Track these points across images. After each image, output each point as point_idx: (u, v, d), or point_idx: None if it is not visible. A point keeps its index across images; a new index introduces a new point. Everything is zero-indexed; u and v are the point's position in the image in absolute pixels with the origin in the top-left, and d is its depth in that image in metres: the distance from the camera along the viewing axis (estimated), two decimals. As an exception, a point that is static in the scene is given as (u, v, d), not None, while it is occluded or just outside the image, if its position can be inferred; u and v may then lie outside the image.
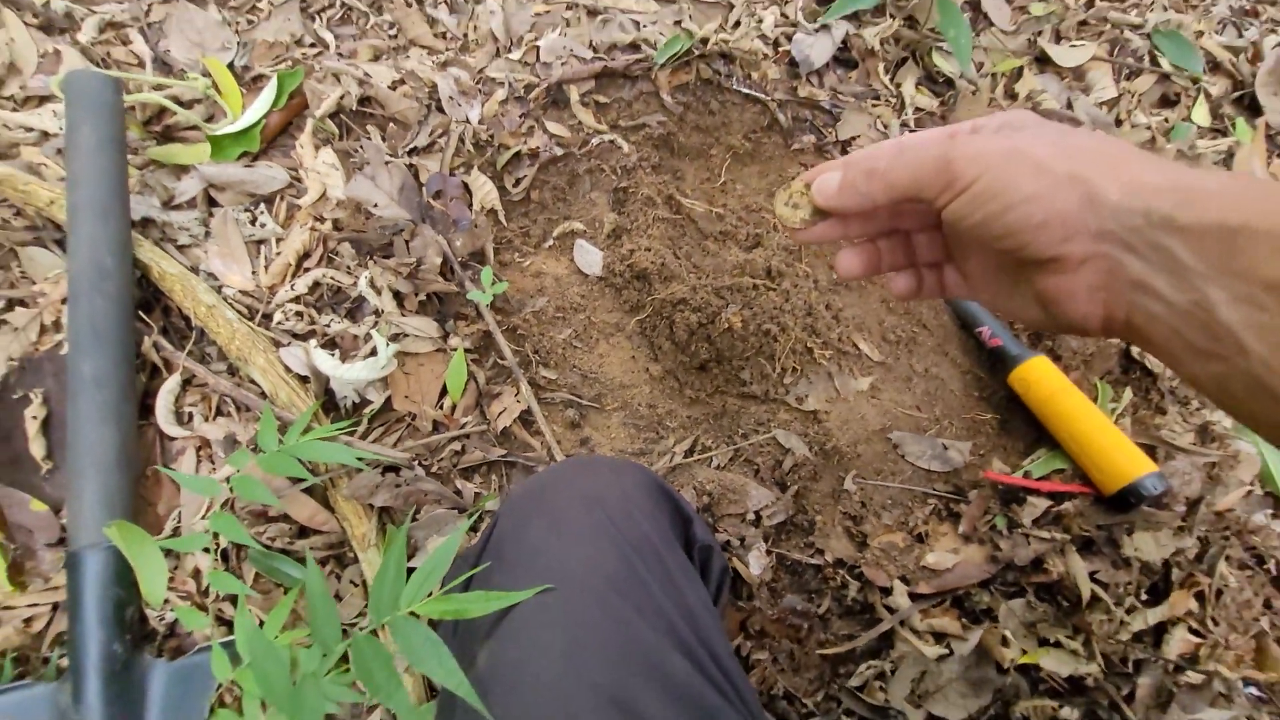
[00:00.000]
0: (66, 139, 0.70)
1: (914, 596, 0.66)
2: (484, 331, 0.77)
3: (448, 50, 0.92)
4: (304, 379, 0.72)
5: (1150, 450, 0.72)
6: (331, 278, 0.77)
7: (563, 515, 0.44)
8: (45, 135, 0.80)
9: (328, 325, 0.75)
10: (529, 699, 0.36)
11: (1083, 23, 1.04)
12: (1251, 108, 1.01)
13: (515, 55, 0.91)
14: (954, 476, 0.75)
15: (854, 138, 0.91)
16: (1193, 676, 0.62)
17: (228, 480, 0.61)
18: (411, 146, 0.83)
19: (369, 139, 0.83)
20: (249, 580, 0.66)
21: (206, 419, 0.72)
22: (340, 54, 0.90)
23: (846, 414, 0.77)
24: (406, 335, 0.74)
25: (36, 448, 0.69)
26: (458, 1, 0.96)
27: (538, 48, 0.91)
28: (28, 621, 0.64)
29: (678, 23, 0.93)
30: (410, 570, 0.47)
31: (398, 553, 0.47)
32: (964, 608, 0.67)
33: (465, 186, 0.83)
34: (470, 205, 0.82)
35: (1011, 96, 0.97)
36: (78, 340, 0.65)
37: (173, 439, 0.71)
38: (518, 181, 0.85)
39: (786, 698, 0.65)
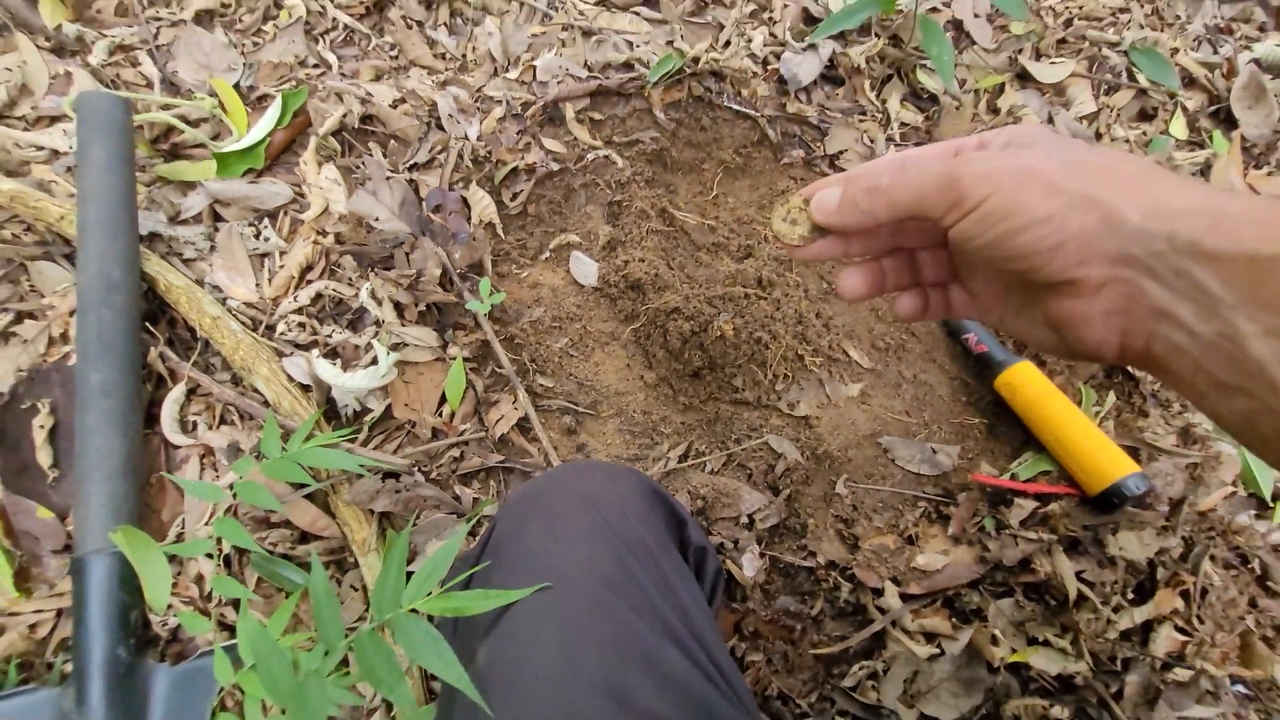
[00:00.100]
0: (77, 157, 0.73)
1: (905, 597, 0.67)
2: (482, 341, 0.78)
3: (447, 70, 0.95)
4: (306, 388, 0.74)
5: (1133, 452, 0.73)
6: (333, 289, 0.79)
7: (560, 518, 0.44)
8: (55, 154, 0.83)
9: (329, 336, 0.77)
10: (527, 694, 0.37)
11: (1062, 41, 1.07)
12: (1227, 121, 1.04)
13: (512, 74, 0.94)
14: (943, 479, 0.76)
15: (841, 152, 0.94)
16: (1180, 674, 0.62)
17: (231, 486, 0.62)
18: (412, 162, 0.86)
19: (370, 155, 0.85)
20: (251, 585, 0.67)
21: (210, 427, 0.73)
22: (343, 74, 0.93)
23: (837, 419, 0.79)
24: (406, 345, 0.76)
25: (43, 456, 0.71)
26: (457, 23, 1.00)
27: (534, 67, 0.94)
28: (33, 627, 0.65)
29: (670, 43, 0.96)
30: (410, 574, 0.48)
31: (399, 555, 0.48)
32: (954, 608, 0.68)
33: (464, 201, 0.85)
34: (469, 219, 0.84)
35: (994, 111, 1.00)
36: (86, 351, 0.67)
37: (177, 447, 0.73)
38: (515, 196, 0.87)
39: (780, 698, 0.66)
